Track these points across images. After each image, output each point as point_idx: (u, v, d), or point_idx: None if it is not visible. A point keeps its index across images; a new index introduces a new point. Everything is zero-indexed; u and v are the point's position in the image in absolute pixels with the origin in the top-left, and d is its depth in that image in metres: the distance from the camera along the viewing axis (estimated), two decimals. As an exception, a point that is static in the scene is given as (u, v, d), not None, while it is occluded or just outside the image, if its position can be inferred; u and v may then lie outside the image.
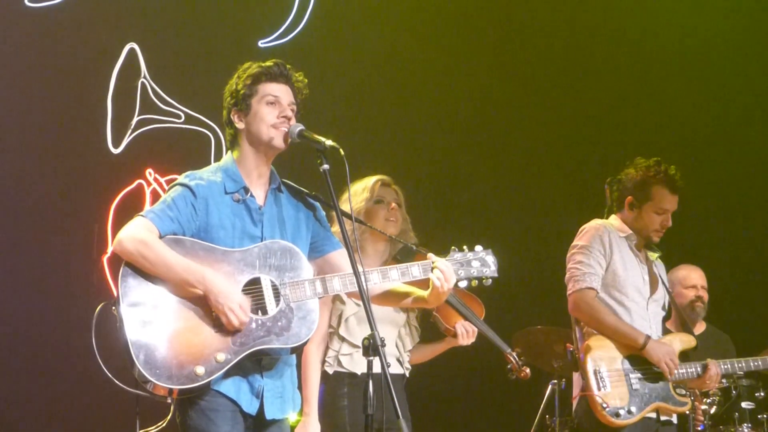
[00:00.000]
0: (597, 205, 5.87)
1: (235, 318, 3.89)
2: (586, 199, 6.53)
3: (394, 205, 5.17)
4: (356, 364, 5.00)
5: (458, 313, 5.16)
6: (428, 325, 5.27)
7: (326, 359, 5.05)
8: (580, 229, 5.70)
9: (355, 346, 5.00)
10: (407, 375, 5.17)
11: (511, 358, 5.27)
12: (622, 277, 5.57)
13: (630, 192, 5.67)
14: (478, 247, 4.28)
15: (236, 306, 3.90)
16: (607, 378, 5.45)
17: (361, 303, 4.91)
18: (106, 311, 3.91)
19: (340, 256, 4.25)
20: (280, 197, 4.20)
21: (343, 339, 5.04)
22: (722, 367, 5.74)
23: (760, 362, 5.92)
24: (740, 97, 8.07)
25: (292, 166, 4.41)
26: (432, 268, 4.13)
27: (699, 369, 5.62)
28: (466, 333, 5.15)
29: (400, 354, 5.13)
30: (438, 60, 8.02)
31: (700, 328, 6.88)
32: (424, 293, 4.20)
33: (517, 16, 8.16)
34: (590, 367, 5.46)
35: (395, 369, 5.06)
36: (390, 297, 4.28)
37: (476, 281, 4.23)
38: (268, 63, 4.19)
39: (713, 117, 8.09)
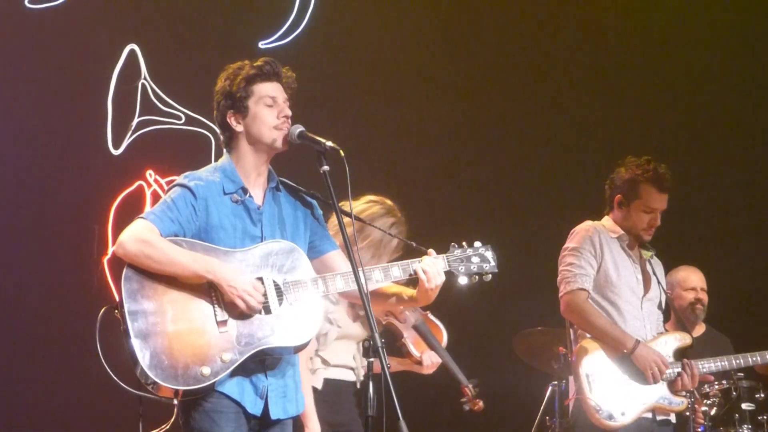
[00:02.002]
0: (597, 206, 5.87)
1: (251, 299, 3.89)
2: (587, 199, 6.52)
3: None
4: (318, 379, 4.98)
5: (426, 343, 5.18)
6: (393, 347, 5.25)
7: None
8: (570, 232, 5.71)
9: (326, 362, 5.00)
10: (358, 386, 5.16)
11: (467, 390, 5.29)
12: (614, 277, 5.56)
13: (619, 190, 5.67)
14: (477, 243, 4.26)
15: (250, 288, 3.90)
16: (599, 380, 5.44)
17: (342, 326, 4.96)
18: (109, 314, 3.90)
19: (338, 256, 4.25)
20: (279, 196, 4.20)
21: (316, 353, 5.00)
22: (718, 364, 5.71)
23: (758, 357, 5.90)
24: (741, 99, 8.07)
25: (291, 167, 4.41)
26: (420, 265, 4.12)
27: (678, 370, 5.53)
28: (431, 364, 5.21)
29: (356, 367, 5.12)
30: (437, 60, 8.02)
31: (700, 330, 6.87)
32: (414, 292, 4.19)
33: (516, 19, 8.16)
34: (583, 370, 5.46)
35: (349, 377, 5.06)
36: (379, 297, 4.25)
37: (476, 277, 4.23)
38: (259, 63, 4.17)
39: (713, 117, 8.09)
